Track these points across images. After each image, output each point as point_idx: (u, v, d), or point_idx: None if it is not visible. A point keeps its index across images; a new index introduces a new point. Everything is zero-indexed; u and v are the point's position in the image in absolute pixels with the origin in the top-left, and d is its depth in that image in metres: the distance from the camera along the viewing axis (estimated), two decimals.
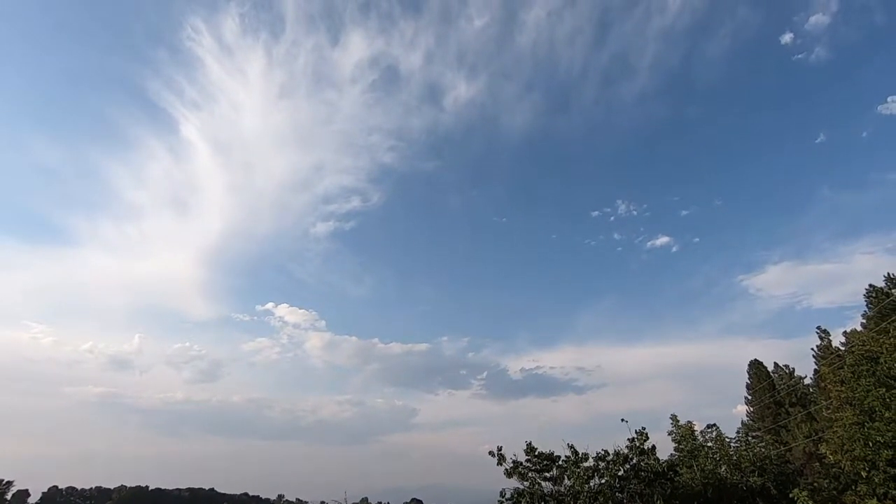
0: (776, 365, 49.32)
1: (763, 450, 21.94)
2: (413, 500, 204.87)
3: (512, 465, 17.31)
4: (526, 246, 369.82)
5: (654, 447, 17.38)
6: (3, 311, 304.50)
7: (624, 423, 18.19)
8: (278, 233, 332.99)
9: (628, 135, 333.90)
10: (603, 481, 16.64)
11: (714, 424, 21.35)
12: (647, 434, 17.48)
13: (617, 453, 17.09)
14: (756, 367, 49.98)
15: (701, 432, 21.15)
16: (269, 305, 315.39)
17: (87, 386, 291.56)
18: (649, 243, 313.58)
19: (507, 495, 17.37)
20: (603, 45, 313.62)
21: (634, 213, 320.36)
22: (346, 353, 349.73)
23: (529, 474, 17.09)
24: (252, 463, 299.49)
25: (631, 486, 16.31)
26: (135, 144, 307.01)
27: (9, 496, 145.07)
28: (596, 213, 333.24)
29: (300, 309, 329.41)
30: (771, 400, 46.09)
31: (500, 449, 17.73)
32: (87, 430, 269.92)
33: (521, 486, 17.06)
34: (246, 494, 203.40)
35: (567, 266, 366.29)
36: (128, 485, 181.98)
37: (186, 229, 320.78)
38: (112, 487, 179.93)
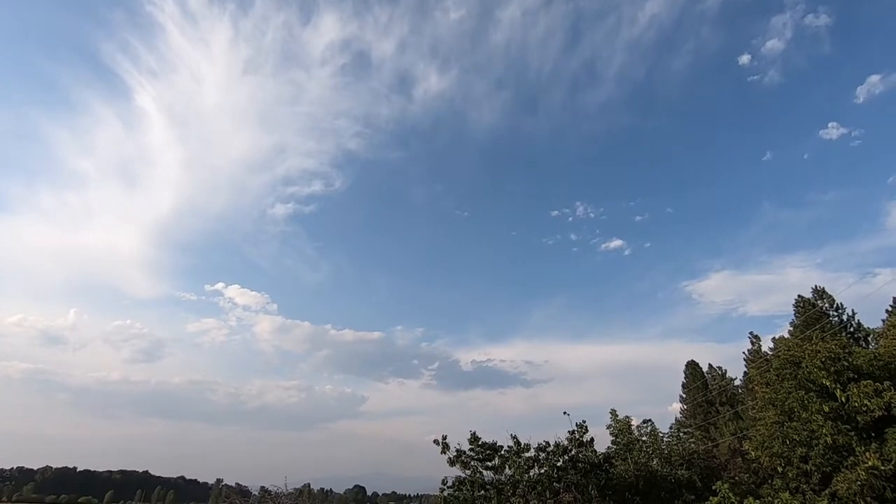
0: (710, 366, 52.12)
1: (693, 445, 23.22)
2: (356, 486, 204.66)
3: (455, 453, 17.54)
4: (485, 241, 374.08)
5: (592, 440, 18.06)
6: None
7: (566, 416, 18.82)
8: (234, 212, 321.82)
9: (591, 140, 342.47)
10: (542, 471, 17.14)
11: (650, 420, 22.37)
12: (586, 427, 18.15)
13: (557, 445, 17.63)
14: (692, 367, 52.66)
15: (637, 427, 22.10)
16: (219, 286, 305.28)
17: (13, 361, 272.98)
18: (603, 245, 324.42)
19: (449, 483, 17.61)
20: (574, 50, 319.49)
21: (592, 215, 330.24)
22: (297, 339, 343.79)
23: (472, 463, 17.38)
24: (191, 446, 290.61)
25: (568, 476, 16.87)
26: (82, 109, 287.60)
27: None
28: (555, 212, 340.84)
29: (252, 291, 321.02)
30: (703, 399, 48.72)
31: (444, 438, 17.92)
32: (9, 408, 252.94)
33: (463, 475, 17.33)
34: (182, 478, 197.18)
35: (524, 263, 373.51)
36: (53, 466, 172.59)
37: (134, 203, 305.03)
38: (35, 468, 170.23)
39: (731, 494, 14.63)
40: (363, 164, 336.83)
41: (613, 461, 18.81)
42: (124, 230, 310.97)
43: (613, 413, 22.63)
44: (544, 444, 17.65)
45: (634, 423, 22.31)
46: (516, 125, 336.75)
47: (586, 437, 18.00)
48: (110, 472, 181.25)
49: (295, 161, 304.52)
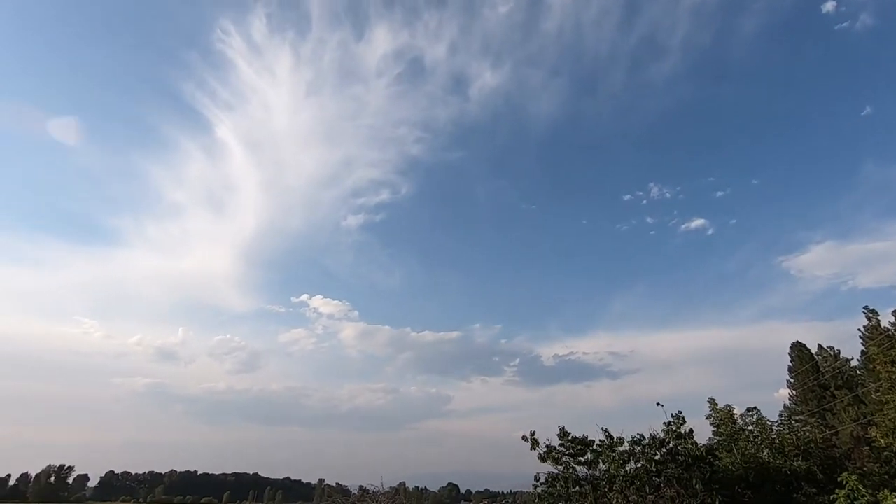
0: (820, 347, 47.56)
1: (808, 433, 21.22)
2: (449, 483, 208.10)
3: (546, 449, 17.28)
4: (556, 233, 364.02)
5: (691, 431, 17.03)
6: (56, 308, 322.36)
7: (660, 407, 17.88)
8: (310, 227, 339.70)
9: (659, 117, 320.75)
10: (639, 465, 16.45)
11: (755, 408, 20.73)
12: (683, 418, 17.14)
13: (653, 437, 16.83)
14: (798, 349, 48.33)
15: (741, 416, 20.60)
16: (304, 297, 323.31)
17: (136, 377, 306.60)
18: (683, 226, 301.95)
19: (542, 479, 17.38)
20: (631, 25, 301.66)
21: (667, 195, 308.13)
22: (380, 343, 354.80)
23: (564, 459, 17.02)
24: (292, 449, 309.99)
25: (668, 470, 16.04)
26: (172, 146, 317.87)
27: (70, 480, 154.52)
28: (628, 196, 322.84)
29: (333, 300, 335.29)
30: (815, 383, 44.53)
31: (533, 434, 17.70)
32: (136, 419, 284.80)
33: (555, 471, 17.03)
34: (288, 479, 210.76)
35: (598, 252, 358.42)
36: (177, 470, 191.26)
37: (223, 227, 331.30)
38: (163, 472, 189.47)
39: (860, 487, 13.22)
40: (426, 169, 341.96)
41: (717, 453, 17.66)
42: (217, 253, 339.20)
43: (712, 402, 21.25)
44: (638, 437, 16.90)
45: (737, 411, 20.83)
46: (576, 111, 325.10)
47: (684, 429, 17.02)
48: (225, 474, 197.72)
49: (362, 173, 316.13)
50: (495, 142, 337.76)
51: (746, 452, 17.99)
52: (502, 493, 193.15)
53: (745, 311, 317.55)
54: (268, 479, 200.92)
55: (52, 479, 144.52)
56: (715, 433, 20.41)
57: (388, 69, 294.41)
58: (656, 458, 16.42)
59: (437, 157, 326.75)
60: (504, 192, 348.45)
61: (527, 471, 18.35)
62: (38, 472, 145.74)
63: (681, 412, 17.35)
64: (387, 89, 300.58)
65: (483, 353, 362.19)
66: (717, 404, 21.11)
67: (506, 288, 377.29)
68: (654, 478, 15.94)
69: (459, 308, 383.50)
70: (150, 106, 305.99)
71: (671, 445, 16.63)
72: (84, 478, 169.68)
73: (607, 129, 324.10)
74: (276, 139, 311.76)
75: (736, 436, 19.12)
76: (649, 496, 15.21)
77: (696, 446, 16.85)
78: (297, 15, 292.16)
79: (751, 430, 19.71)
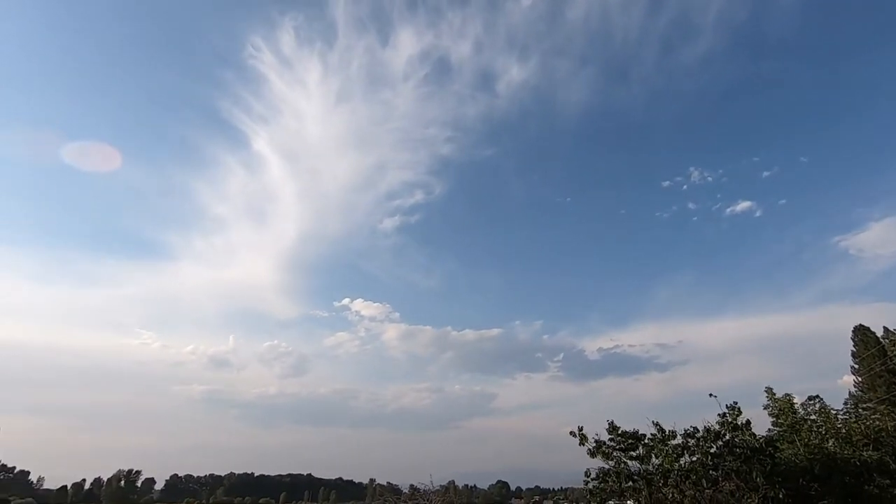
0: (886, 330, 44.67)
1: (878, 422, 19.99)
2: (499, 481, 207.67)
3: (595, 444, 17.01)
4: (593, 224, 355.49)
5: (748, 422, 16.38)
6: (117, 321, 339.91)
7: (713, 398, 17.25)
8: (348, 232, 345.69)
9: (695, 99, 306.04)
10: (694, 459, 15.96)
11: (817, 396, 19.71)
12: (739, 409, 16.50)
13: (707, 430, 16.28)
14: (862, 333, 45.64)
15: (802, 405, 19.62)
16: (346, 301, 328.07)
17: (193, 384, 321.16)
18: (728, 210, 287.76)
19: (592, 475, 17.12)
20: (661, 7, 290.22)
21: (709, 179, 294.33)
22: (422, 343, 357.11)
23: (614, 453, 16.72)
24: (342, 450, 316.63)
25: (726, 463, 15.49)
26: (213, 162, 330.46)
27: (138, 484, 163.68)
28: (667, 183, 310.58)
29: (374, 303, 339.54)
30: (883, 368, 41.87)
31: (581, 429, 17.45)
32: (195, 424, 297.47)
33: (606, 466, 16.74)
34: (340, 479, 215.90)
35: (639, 241, 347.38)
36: (236, 472, 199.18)
37: (265, 236, 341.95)
38: (223, 474, 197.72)
39: None
40: (458, 167, 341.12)
41: (778, 444, 16.90)
42: (261, 262, 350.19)
43: (769, 391, 20.35)
44: (692, 429, 16.39)
45: (797, 401, 19.86)
46: (607, 99, 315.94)
47: (740, 420, 16.38)
48: (280, 475, 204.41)
49: (395, 175, 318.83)
50: (526, 136, 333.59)
51: (810, 443, 17.15)
52: (553, 489, 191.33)
53: (801, 296, 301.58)
54: (321, 479, 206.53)
55: (123, 482, 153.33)
56: (774, 424, 19.56)
57: (414, 71, 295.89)
58: (712, 450, 15.90)
59: (469, 156, 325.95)
60: (538, 187, 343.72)
61: (576, 467, 18.12)
62: (110, 476, 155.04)
63: (735, 403, 16.72)
64: (414, 91, 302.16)
65: (525, 350, 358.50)
66: (774, 394, 20.21)
67: (545, 283, 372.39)
68: (710, 471, 15.45)
69: (499, 305, 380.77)
70: (191, 125, 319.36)
71: (727, 437, 16.06)
72: (151, 481, 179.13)
73: (641, 116, 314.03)
74: (310, 148, 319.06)
75: (797, 426, 18.26)
76: (707, 490, 14.75)
77: (755, 438, 16.21)
78: (324, 25, 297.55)
79: (813, 420, 18.79)
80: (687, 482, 15.08)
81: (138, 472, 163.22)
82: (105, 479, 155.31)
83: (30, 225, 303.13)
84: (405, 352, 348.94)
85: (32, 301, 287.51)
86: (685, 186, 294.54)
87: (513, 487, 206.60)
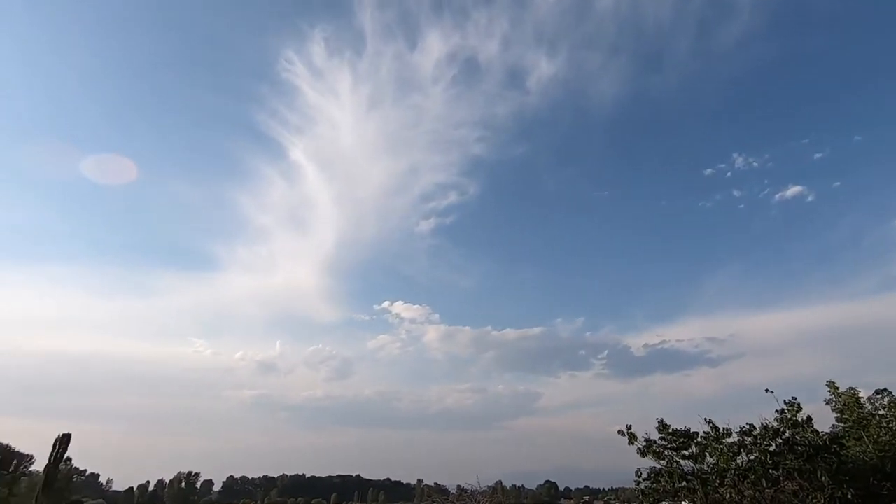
0: None
1: None
2: (546, 481, 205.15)
3: (645, 443, 16.59)
4: (632, 217, 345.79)
5: (809, 418, 15.57)
6: (172, 330, 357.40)
7: (769, 393, 16.49)
8: (384, 236, 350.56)
9: (734, 82, 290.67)
10: (752, 458, 15.31)
11: (885, 389, 18.47)
12: (799, 404, 15.71)
13: (765, 427, 15.59)
14: None
15: (868, 399, 18.45)
16: (385, 304, 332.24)
17: (243, 389, 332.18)
18: (778, 195, 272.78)
19: (643, 475, 16.71)
20: None
21: (755, 164, 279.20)
22: (462, 343, 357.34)
23: (665, 452, 16.26)
24: (388, 451, 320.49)
25: (787, 461, 14.78)
26: (254, 174, 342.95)
27: (198, 485, 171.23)
28: (709, 171, 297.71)
29: (414, 305, 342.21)
30: None
31: (629, 428, 17.07)
32: (247, 427, 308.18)
33: (658, 466, 16.30)
34: (388, 479, 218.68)
35: (682, 233, 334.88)
36: (288, 473, 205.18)
37: (305, 243, 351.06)
38: (275, 476, 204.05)
39: None
40: (491, 166, 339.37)
41: (844, 441, 15.99)
42: (303, 268, 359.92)
43: (832, 385, 19.23)
44: (748, 426, 15.74)
45: (863, 394, 18.69)
46: (641, 88, 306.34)
47: (801, 416, 15.59)
48: (331, 476, 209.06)
49: (428, 178, 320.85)
50: (559, 131, 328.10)
51: (880, 440, 16.15)
52: (602, 490, 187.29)
53: (862, 283, 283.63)
54: (369, 480, 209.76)
55: (183, 484, 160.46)
56: (839, 420, 18.48)
57: (443, 73, 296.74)
58: (771, 448, 15.24)
59: (501, 154, 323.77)
60: (573, 182, 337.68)
61: (626, 466, 17.75)
62: (171, 478, 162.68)
63: (795, 398, 15.95)
64: (444, 93, 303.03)
65: (568, 348, 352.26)
66: (837, 388, 19.07)
67: (584, 279, 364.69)
68: (770, 470, 14.79)
69: (539, 303, 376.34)
70: (232, 139, 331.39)
71: (787, 435, 15.35)
72: (209, 483, 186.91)
73: (677, 103, 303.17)
74: (345, 155, 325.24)
75: (865, 422, 17.22)
76: (767, 490, 14.13)
77: (818, 435, 15.40)
78: (352, 34, 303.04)
79: (882, 415, 17.64)
80: (745, 482, 14.49)
81: (197, 474, 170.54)
82: (167, 480, 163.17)
83: (82, 242, 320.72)
84: (446, 353, 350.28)
85: (92, 314, 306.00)
86: (729, 173, 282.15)
87: (561, 487, 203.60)
